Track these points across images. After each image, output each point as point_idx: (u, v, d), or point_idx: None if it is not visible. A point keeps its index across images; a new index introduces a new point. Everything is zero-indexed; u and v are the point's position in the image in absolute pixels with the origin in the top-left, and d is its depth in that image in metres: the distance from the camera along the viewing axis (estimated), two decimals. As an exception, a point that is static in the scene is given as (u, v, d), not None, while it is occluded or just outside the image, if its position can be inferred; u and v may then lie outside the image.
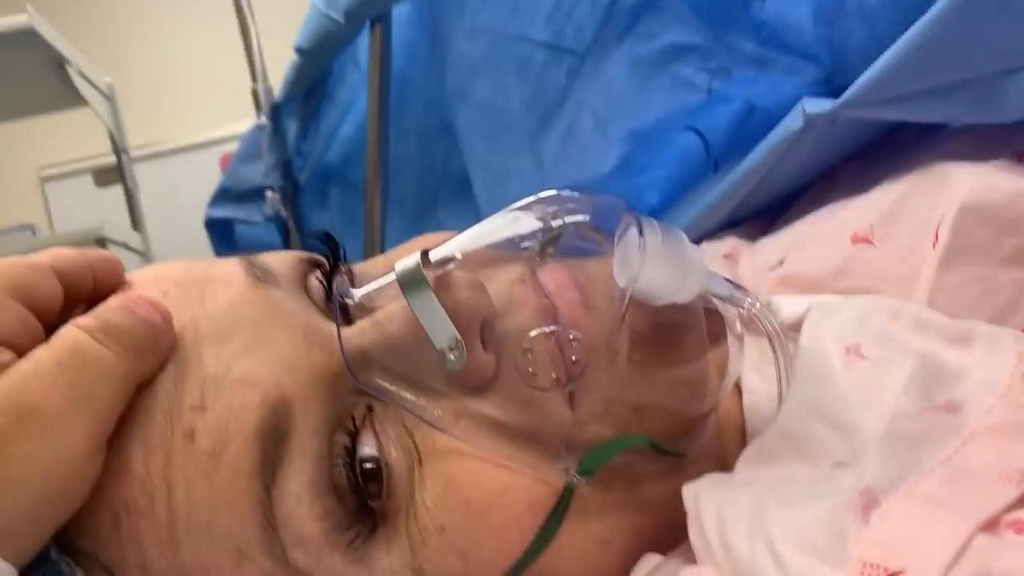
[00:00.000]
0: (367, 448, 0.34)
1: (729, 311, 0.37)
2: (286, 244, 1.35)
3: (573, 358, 0.33)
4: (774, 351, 0.37)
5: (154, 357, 0.32)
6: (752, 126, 0.61)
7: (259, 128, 1.30)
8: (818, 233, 0.48)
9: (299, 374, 0.33)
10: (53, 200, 3.48)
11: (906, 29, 0.44)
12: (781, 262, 0.48)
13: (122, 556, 0.32)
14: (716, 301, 0.36)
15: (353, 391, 0.35)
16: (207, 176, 2.79)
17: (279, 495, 0.32)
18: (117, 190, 2.20)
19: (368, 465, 0.33)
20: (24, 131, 2.42)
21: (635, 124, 0.68)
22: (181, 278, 0.36)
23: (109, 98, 2.12)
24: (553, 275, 0.35)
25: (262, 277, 0.36)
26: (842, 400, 0.34)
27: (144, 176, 2.30)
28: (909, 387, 0.32)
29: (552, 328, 0.33)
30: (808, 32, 0.57)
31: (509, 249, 0.36)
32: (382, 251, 1.08)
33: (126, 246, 2.08)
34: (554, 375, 0.33)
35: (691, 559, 0.34)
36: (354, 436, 0.34)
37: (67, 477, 0.29)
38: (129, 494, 0.31)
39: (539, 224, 0.35)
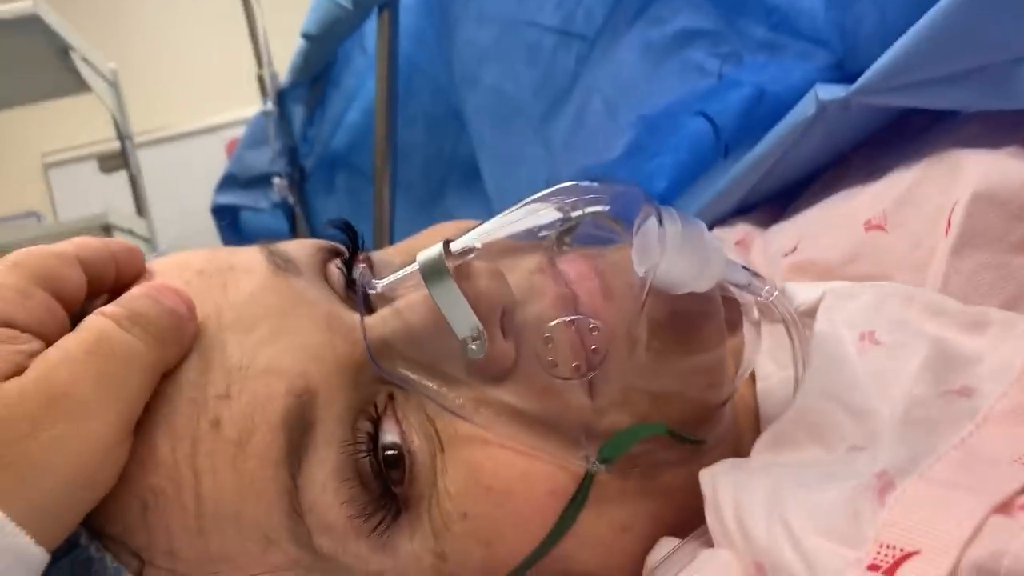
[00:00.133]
0: (389, 435, 0.34)
1: (746, 298, 0.38)
2: (293, 230, 1.35)
3: (593, 347, 0.34)
4: (791, 338, 0.37)
5: (179, 346, 0.33)
6: (762, 111, 0.61)
7: (265, 114, 1.30)
8: (831, 220, 0.48)
9: (323, 363, 0.34)
10: (56, 186, 3.48)
11: (918, 15, 0.44)
12: (794, 249, 0.49)
13: (150, 543, 0.32)
14: (734, 289, 0.37)
15: (375, 380, 0.35)
16: (211, 162, 2.80)
17: (304, 483, 0.32)
18: (121, 176, 2.21)
19: (391, 452, 0.34)
20: (26, 117, 2.41)
21: (645, 109, 0.68)
22: (203, 267, 0.36)
23: (113, 84, 2.12)
24: (573, 264, 0.35)
25: (283, 266, 0.36)
26: (857, 385, 0.35)
27: (148, 162, 2.30)
28: (924, 372, 0.33)
29: (573, 317, 0.34)
30: (820, 17, 0.57)
31: (528, 239, 0.36)
32: (391, 237, 1.08)
33: (131, 233, 2.09)
34: (574, 363, 0.34)
35: (708, 542, 0.34)
36: (377, 424, 0.34)
37: (96, 462, 0.30)
38: (156, 482, 0.32)
39: (558, 214, 0.36)
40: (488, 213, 0.97)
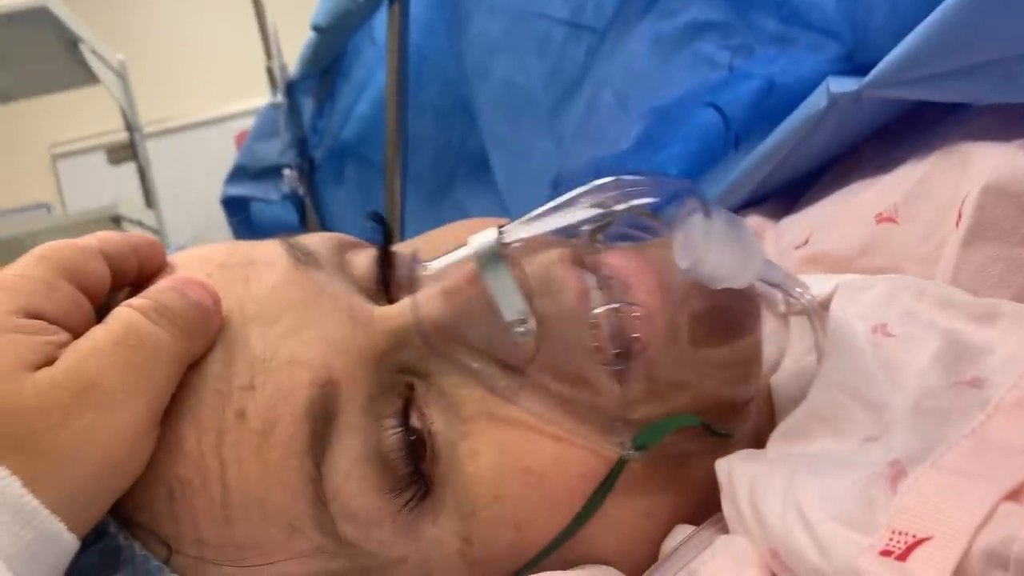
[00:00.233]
0: (411, 422, 0.35)
1: (775, 295, 0.38)
2: (303, 221, 1.36)
3: (635, 336, 0.34)
4: (815, 333, 0.38)
5: (204, 337, 0.33)
6: (773, 103, 0.61)
7: (275, 106, 1.30)
8: (843, 212, 0.48)
9: (345, 355, 0.34)
10: (64, 178, 3.49)
11: (929, 7, 0.44)
12: (806, 241, 0.49)
13: (178, 531, 0.33)
14: (767, 287, 0.37)
15: (395, 370, 0.36)
16: (219, 152, 2.80)
17: (328, 471, 0.33)
18: (128, 166, 2.21)
19: (412, 438, 0.35)
20: (34, 109, 2.42)
21: (656, 101, 0.69)
22: (224, 260, 0.37)
23: (121, 76, 2.13)
24: (618, 255, 0.36)
25: (304, 259, 0.37)
26: (870, 377, 0.35)
27: (156, 152, 2.30)
28: (935, 364, 0.33)
29: (617, 305, 0.35)
30: (830, 9, 0.57)
31: (570, 233, 0.37)
32: (402, 228, 1.09)
33: (140, 224, 2.10)
34: (616, 351, 0.35)
35: (723, 529, 0.35)
36: (398, 412, 0.35)
37: (124, 451, 0.30)
38: (183, 472, 0.32)
39: (601, 209, 0.36)
40: (498, 204, 0.97)
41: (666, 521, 0.37)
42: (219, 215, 1.47)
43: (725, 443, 0.37)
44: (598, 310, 0.35)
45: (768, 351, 0.38)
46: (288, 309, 0.35)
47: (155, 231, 2.16)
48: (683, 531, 0.36)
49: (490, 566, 0.36)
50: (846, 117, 0.51)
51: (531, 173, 0.86)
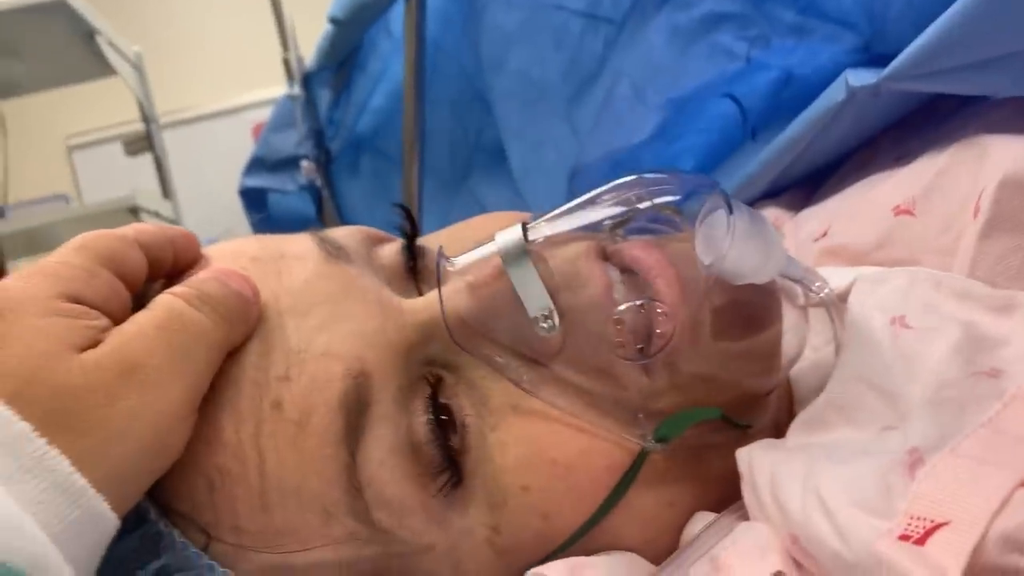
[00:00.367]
0: (442, 412, 0.36)
1: (795, 289, 0.39)
2: (319, 212, 1.37)
3: (658, 331, 0.35)
4: (833, 323, 0.38)
5: (244, 325, 0.34)
6: (790, 94, 0.62)
7: (292, 98, 1.31)
8: (861, 205, 0.49)
9: (376, 347, 0.35)
10: (80, 169, 3.50)
11: (946, -2, 0.44)
12: (825, 233, 0.49)
13: (217, 519, 0.34)
14: (788, 282, 0.38)
15: (424, 362, 0.37)
16: (235, 142, 2.81)
17: (362, 460, 0.34)
18: (144, 157, 2.22)
19: (443, 429, 0.36)
20: (49, 100, 2.43)
21: (673, 92, 0.69)
22: (257, 254, 0.38)
23: (137, 68, 2.14)
24: (641, 250, 0.37)
25: (335, 253, 0.38)
26: (889, 368, 0.36)
27: (172, 142, 2.31)
28: (953, 355, 0.34)
29: (640, 301, 0.35)
30: (848, 0, 0.57)
31: (593, 229, 0.38)
32: (420, 220, 1.09)
33: (157, 215, 2.11)
34: (639, 346, 0.35)
35: (743, 517, 0.36)
36: (429, 402, 0.36)
37: (166, 431, 0.31)
38: (222, 461, 0.33)
39: (625, 207, 0.37)
40: (514, 195, 0.98)
41: (688, 510, 0.38)
42: (235, 205, 1.48)
43: (745, 434, 0.38)
44: (623, 305, 0.35)
45: (788, 344, 0.38)
46: (321, 302, 0.35)
47: (172, 222, 2.17)
48: (703, 518, 0.37)
49: (517, 554, 0.36)
50: (864, 110, 0.51)
51: (547, 164, 0.87)
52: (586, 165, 0.76)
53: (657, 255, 0.37)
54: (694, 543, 0.35)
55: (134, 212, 1.97)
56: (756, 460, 0.35)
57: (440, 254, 0.38)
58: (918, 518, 0.28)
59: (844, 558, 0.29)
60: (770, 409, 0.39)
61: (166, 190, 2.22)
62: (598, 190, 0.37)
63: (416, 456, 0.35)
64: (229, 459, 0.33)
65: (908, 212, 0.45)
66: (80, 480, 0.29)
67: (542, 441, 0.36)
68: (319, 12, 1.17)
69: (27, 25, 1.83)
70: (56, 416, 0.29)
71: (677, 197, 0.37)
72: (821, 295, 0.38)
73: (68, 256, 0.33)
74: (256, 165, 1.43)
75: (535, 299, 0.35)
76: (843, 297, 0.40)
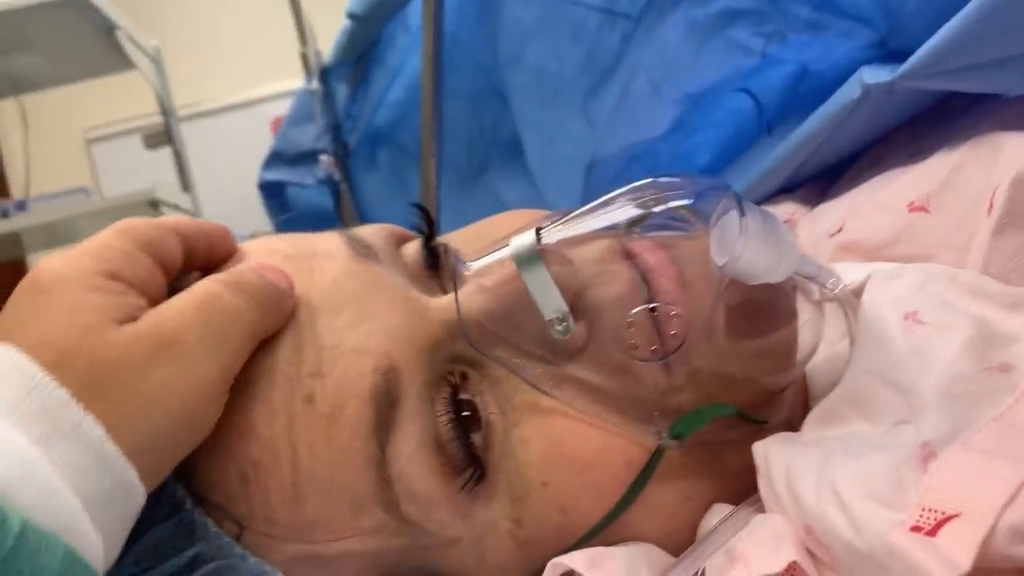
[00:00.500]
0: (466, 408, 0.37)
1: (810, 286, 0.39)
2: (337, 206, 1.38)
3: (673, 332, 0.36)
4: (847, 318, 0.39)
5: (279, 314, 0.35)
6: (805, 89, 0.62)
7: (310, 92, 1.32)
8: (876, 201, 0.49)
9: (404, 344, 0.36)
10: (99, 162, 3.53)
11: (963, -7, 0.44)
12: (840, 229, 0.50)
13: (250, 510, 0.35)
14: (802, 280, 0.38)
15: (449, 359, 0.38)
16: (253, 135, 2.83)
17: (392, 454, 0.35)
18: (162, 149, 2.24)
19: (467, 412, 0.37)
20: (67, 93, 2.45)
21: (690, 87, 0.69)
22: (289, 252, 0.39)
23: (156, 61, 2.16)
24: (653, 252, 0.37)
25: (363, 252, 0.39)
26: (902, 363, 0.36)
27: (189, 135, 2.33)
28: (966, 350, 0.34)
29: (655, 304, 0.36)
30: (863, -4, 0.57)
31: (606, 231, 0.38)
32: (437, 214, 1.10)
33: (177, 207, 2.13)
34: (653, 347, 0.36)
35: (759, 509, 0.37)
36: (454, 398, 0.37)
37: (196, 406, 0.32)
38: (256, 453, 0.34)
39: (640, 210, 0.37)
40: (531, 189, 0.98)
41: (705, 504, 0.38)
42: (253, 198, 1.49)
43: (761, 429, 0.38)
44: (640, 306, 0.36)
45: (803, 340, 0.39)
46: (350, 300, 0.36)
47: (192, 215, 2.19)
48: (720, 511, 0.38)
49: (539, 547, 0.37)
50: (879, 107, 0.52)
51: (564, 158, 0.87)
52: (602, 159, 0.77)
53: (660, 255, 0.37)
54: (711, 535, 0.36)
55: (154, 205, 1.98)
56: (772, 453, 0.36)
57: (456, 258, 0.39)
58: (930, 510, 0.28)
59: (857, 549, 0.30)
60: (786, 405, 0.40)
61: (185, 183, 2.24)
62: (611, 194, 0.38)
63: (441, 452, 0.36)
64: (263, 452, 0.34)
65: (922, 209, 0.45)
66: (112, 448, 0.29)
67: (561, 438, 0.36)
68: (336, 5, 1.17)
69: (48, 20, 1.85)
70: (93, 384, 0.30)
71: (690, 200, 0.37)
72: (835, 291, 0.39)
73: (109, 239, 0.34)
74: (275, 159, 1.43)
75: (550, 302, 0.36)
76: (857, 293, 0.41)
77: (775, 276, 0.36)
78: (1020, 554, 0.26)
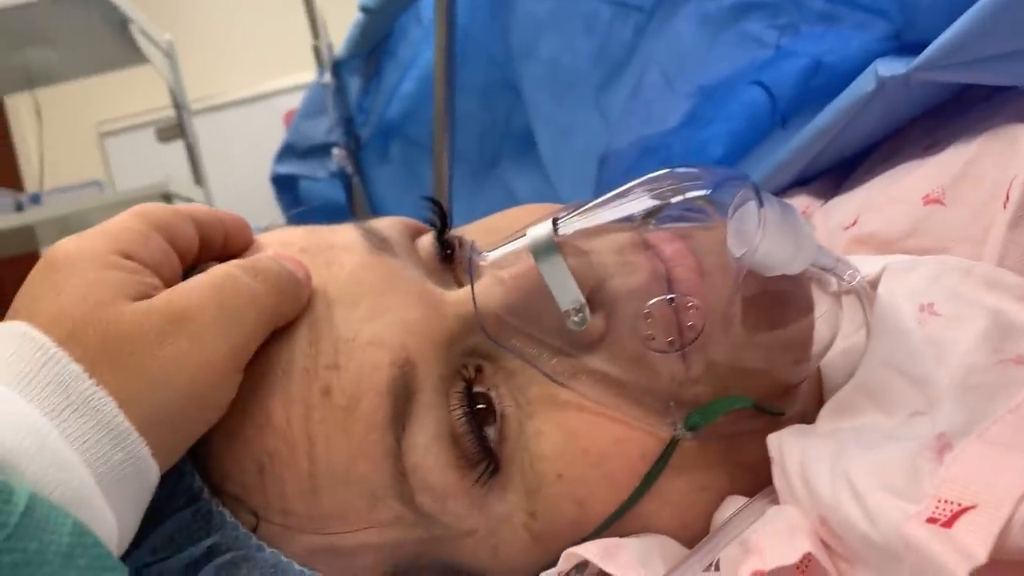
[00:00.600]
0: (481, 401, 0.37)
1: (827, 277, 0.39)
2: (350, 200, 1.38)
3: (689, 323, 0.36)
4: (864, 310, 0.39)
5: (295, 301, 0.35)
6: (819, 81, 0.62)
7: (323, 86, 1.32)
8: (891, 194, 0.49)
9: (420, 338, 0.36)
10: (112, 155, 3.54)
11: (980, -14, 0.44)
12: (855, 222, 0.50)
13: (266, 501, 0.35)
14: (819, 271, 0.38)
15: (465, 353, 0.38)
16: (265, 128, 2.83)
17: (408, 446, 0.35)
18: (174, 143, 2.25)
19: (482, 405, 0.37)
20: (80, 87, 2.46)
21: (703, 80, 0.69)
22: (305, 245, 0.39)
23: (169, 55, 2.17)
24: (670, 243, 0.37)
25: (380, 245, 0.39)
26: (917, 355, 0.36)
27: (201, 128, 2.34)
28: (981, 342, 0.34)
29: (672, 295, 0.36)
30: (878, -13, 0.57)
31: (623, 222, 0.38)
32: (450, 207, 1.10)
33: (190, 201, 2.14)
34: (670, 339, 0.36)
35: (774, 501, 0.37)
36: (469, 391, 0.37)
37: (210, 383, 0.32)
38: (273, 445, 0.34)
39: (657, 201, 0.37)
40: (543, 182, 0.98)
41: (720, 496, 0.38)
42: (265, 191, 1.49)
43: (776, 421, 0.38)
44: (658, 297, 0.36)
45: (820, 332, 0.39)
46: (367, 293, 0.37)
47: (204, 208, 2.19)
48: (734, 502, 0.38)
49: (553, 538, 0.37)
50: (894, 99, 0.51)
51: (577, 150, 0.87)
52: (615, 152, 0.77)
53: (678, 245, 0.37)
54: (725, 527, 0.36)
55: (167, 198, 1.99)
56: (786, 445, 0.36)
57: (473, 249, 0.39)
58: (946, 501, 0.28)
59: (873, 540, 0.30)
60: (802, 396, 0.40)
61: (197, 177, 2.25)
62: (629, 184, 0.38)
63: (456, 445, 0.36)
64: (279, 443, 0.34)
65: (938, 201, 0.45)
66: (124, 422, 0.29)
67: (576, 431, 0.37)
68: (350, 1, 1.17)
69: (62, 14, 1.86)
70: (106, 358, 0.30)
71: (708, 191, 0.37)
72: (852, 283, 0.39)
73: (125, 220, 0.35)
74: (287, 152, 1.44)
75: (566, 293, 0.36)
76: (873, 285, 0.41)
77: (793, 268, 0.36)
78: (1037, 546, 0.26)
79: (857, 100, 0.52)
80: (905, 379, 0.36)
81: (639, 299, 0.36)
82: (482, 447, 0.36)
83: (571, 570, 0.36)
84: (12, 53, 2.01)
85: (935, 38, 0.48)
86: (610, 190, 0.38)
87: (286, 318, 0.35)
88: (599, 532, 0.38)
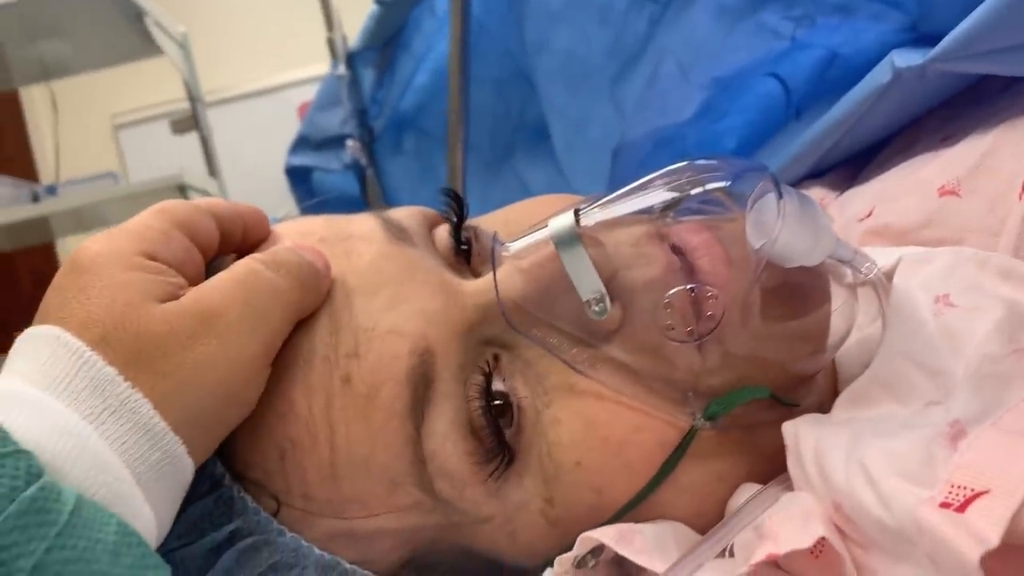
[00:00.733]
0: (498, 389, 0.37)
1: (843, 269, 0.39)
2: (363, 191, 1.39)
3: (708, 313, 0.36)
4: (880, 301, 0.39)
5: (316, 293, 0.36)
6: (834, 73, 0.62)
7: (337, 77, 1.33)
8: (906, 185, 0.49)
9: (439, 327, 0.37)
10: (126, 147, 3.56)
11: (996, -24, 0.44)
12: (870, 213, 0.50)
13: (287, 487, 0.36)
14: (837, 263, 0.39)
15: (482, 342, 0.38)
16: (279, 120, 2.84)
17: (427, 433, 0.36)
18: (188, 134, 2.26)
19: (499, 403, 0.37)
20: (94, 79, 2.47)
21: (718, 72, 0.69)
22: (324, 235, 0.39)
23: (184, 47, 2.17)
24: (691, 233, 0.38)
25: (399, 235, 0.39)
26: (933, 345, 0.36)
27: (215, 120, 2.34)
28: (996, 332, 0.34)
29: (692, 285, 0.36)
30: (894, -21, 0.57)
31: (644, 214, 0.38)
32: (464, 199, 1.10)
33: (205, 192, 2.15)
34: (689, 328, 0.36)
35: (788, 488, 0.37)
36: (487, 380, 0.37)
37: (241, 380, 0.33)
38: (295, 432, 0.35)
39: (676, 193, 0.38)
40: (556, 174, 0.98)
41: (736, 484, 0.39)
42: (279, 183, 1.50)
43: (792, 411, 0.39)
44: (677, 287, 0.36)
45: (836, 324, 0.39)
46: (387, 283, 0.37)
47: (218, 199, 2.20)
48: (748, 490, 0.38)
49: (570, 525, 0.38)
50: (909, 90, 0.51)
51: (591, 143, 0.87)
52: (630, 144, 0.77)
53: (705, 235, 0.37)
54: (739, 513, 0.36)
55: (182, 190, 2.00)
56: (802, 432, 0.36)
57: (495, 239, 0.39)
58: (959, 487, 0.29)
59: (886, 525, 0.30)
60: (818, 387, 0.40)
61: (212, 169, 2.26)
62: (649, 176, 0.38)
63: (473, 436, 0.37)
64: (301, 431, 0.35)
65: (953, 193, 0.45)
66: (160, 423, 0.30)
67: (595, 419, 0.37)
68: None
69: (77, 6, 1.86)
70: (138, 360, 0.30)
71: (727, 182, 0.37)
72: (870, 276, 0.39)
73: (146, 219, 0.35)
74: (301, 144, 1.45)
75: (587, 283, 0.36)
76: (888, 276, 0.41)
77: (811, 259, 0.36)
78: (1049, 531, 0.27)
79: (873, 91, 0.53)
80: (921, 369, 0.36)
81: (659, 289, 0.37)
82: (499, 440, 0.37)
83: (587, 554, 0.37)
84: (28, 45, 2.02)
85: (951, 29, 0.48)
86: (627, 182, 0.39)
87: (309, 310, 0.36)
88: (616, 519, 0.38)
